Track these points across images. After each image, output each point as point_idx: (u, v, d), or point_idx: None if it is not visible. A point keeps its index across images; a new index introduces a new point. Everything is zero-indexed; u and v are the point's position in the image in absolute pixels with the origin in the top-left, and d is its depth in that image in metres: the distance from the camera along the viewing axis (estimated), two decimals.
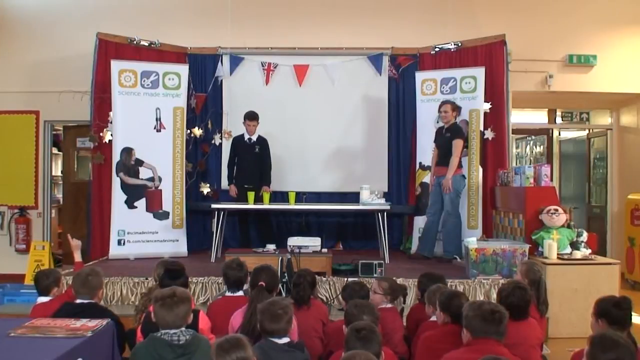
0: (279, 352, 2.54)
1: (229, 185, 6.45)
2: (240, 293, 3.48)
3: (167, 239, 6.23)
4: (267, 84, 7.02)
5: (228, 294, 3.52)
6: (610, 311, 2.66)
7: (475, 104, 6.33)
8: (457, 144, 5.93)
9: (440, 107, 6.13)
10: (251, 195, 5.92)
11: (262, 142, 6.46)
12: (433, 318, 3.21)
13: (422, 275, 3.80)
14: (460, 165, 6.03)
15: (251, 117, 6.33)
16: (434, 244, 6.20)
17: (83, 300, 3.05)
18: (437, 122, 6.36)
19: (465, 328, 2.50)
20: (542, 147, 8.91)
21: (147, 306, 3.32)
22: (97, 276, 3.12)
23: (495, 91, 6.45)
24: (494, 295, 4.54)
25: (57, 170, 8.43)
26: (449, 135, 6.02)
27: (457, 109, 6.10)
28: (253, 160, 6.40)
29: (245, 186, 6.23)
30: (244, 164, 6.40)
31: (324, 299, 4.78)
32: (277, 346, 2.57)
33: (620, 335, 2.19)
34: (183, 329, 2.54)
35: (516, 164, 8.62)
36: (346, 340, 2.39)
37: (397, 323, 3.43)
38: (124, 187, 6.12)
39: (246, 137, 6.39)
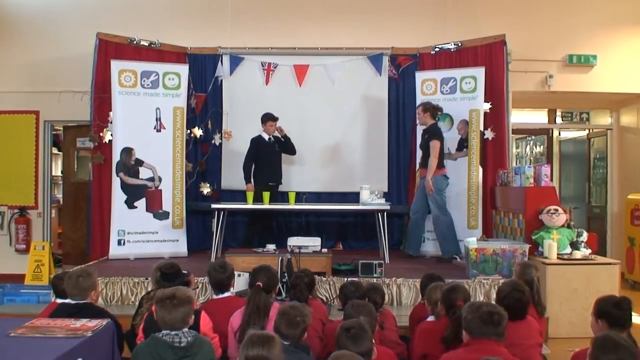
0: (284, 352, 2.54)
1: (246, 184, 6.38)
2: (227, 294, 3.46)
3: (167, 239, 6.24)
4: (267, 84, 7.02)
5: (214, 297, 3.51)
6: (610, 311, 2.66)
7: (475, 104, 6.33)
8: (434, 145, 5.98)
9: (417, 109, 6.26)
10: (250, 195, 5.94)
11: (279, 140, 6.51)
12: (430, 318, 3.21)
13: (424, 277, 3.81)
14: (442, 166, 6.06)
15: (273, 118, 6.36)
16: (420, 244, 6.30)
17: (77, 301, 3.04)
18: (417, 124, 6.48)
19: (464, 330, 2.50)
20: (542, 147, 8.91)
21: (149, 310, 3.31)
22: (88, 277, 3.09)
23: (495, 91, 6.45)
24: (494, 296, 4.54)
25: (57, 170, 8.43)
26: (426, 137, 6.09)
27: (430, 109, 6.11)
28: (275, 158, 6.49)
29: (270, 184, 6.30)
30: (267, 163, 6.43)
31: (324, 299, 4.78)
32: (283, 346, 2.57)
33: (622, 337, 2.22)
34: (185, 330, 2.53)
35: (516, 164, 8.62)
36: (337, 339, 2.40)
37: (391, 323, 3.45)
38: (124, 187, 6.13)
39: (266, 137, 6.41)
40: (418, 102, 6.62)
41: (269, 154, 6.43)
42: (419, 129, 6.65)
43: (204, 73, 7.04)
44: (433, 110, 6.12)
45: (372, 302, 3.26)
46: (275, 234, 6.66)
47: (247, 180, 6.39)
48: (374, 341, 2.51)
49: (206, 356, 2.53)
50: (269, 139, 6.43)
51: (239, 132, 6.70)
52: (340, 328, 2.42)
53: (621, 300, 2.71)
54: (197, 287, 4.65)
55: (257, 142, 6.41)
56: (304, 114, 6.97)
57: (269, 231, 6.64)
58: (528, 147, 9.40)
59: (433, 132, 6.05)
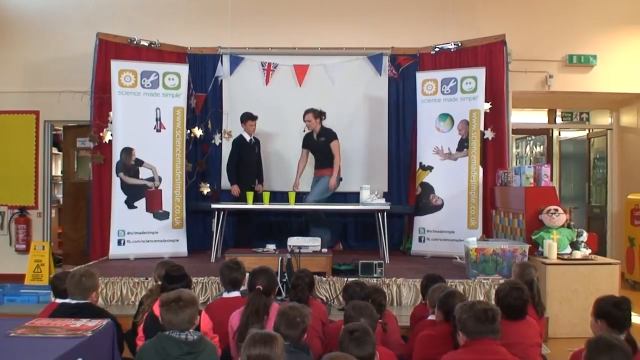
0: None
1: (231, 185, 6.42)
2: (237, 293, 3.46)
3: (167, 239, 6.23)
4: (267, 84, 7.02)
5: (225, 295, 3.52)
6: (610, 311, 2.66)
7: (475, 104, 6.32)
8: (336, 145, 6.30)
9: (304, 116, 6.34)
10: (250, 195, 5.94)
11: (258, 141, 6.57)
12: (431, 316, 3.22)
13: (425, 277, 3.81)
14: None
15: (252, 117, 6.39)
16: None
17: (78, 301, 3.04)
18: (304, 130, 6.50)
19: (460, 331, 2.50)
20: (542, 147, 8.90)
21: (151, 307, 3.31)
22: (91, 277, 3.09)
23: (495, 91, 6.45)
24: (494, 296, 4.54)
25: (57, 170, 8.43)
26: (323, 139, 6.31)
27: (319, 116, 6.34)
28: (255, 160, 6.51)
29: (253, 185, 6.34)
30: (248, 165, 6.43)
31: (324, 299, 4.79)
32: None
33: (616, 338, 2.22)
34: (191, 330, 2.56)
35: (516, 164, 8.62)
36: (340, 342, 2.39)
37: (394, 324, 3.46)
38: (124, 187, 6.12)
39: (247, 137, 6.43)
40: (419, 102, 6.62)
41: (250, 155, 6.45)
42: (419, 129, 6.66)
43: (204, 73, 7.04)
44: (321, 116, 6.36)
45: (377, 304, 3.26)
46: (274, 234, 6.68)
47: (233, 182, 6.40)
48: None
49: (210, 357, 2.54)
50: (250, 139, 6.46)
51: (239, 132, 6.68)
52: (344, 330, 2.41)
53: (621, 301, 2.71)
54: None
55: (239, 142, 6.44)
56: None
57: (261, 230, 6.67)
58: (528, 147, 9.40)
59: (331, 134, 6.34)
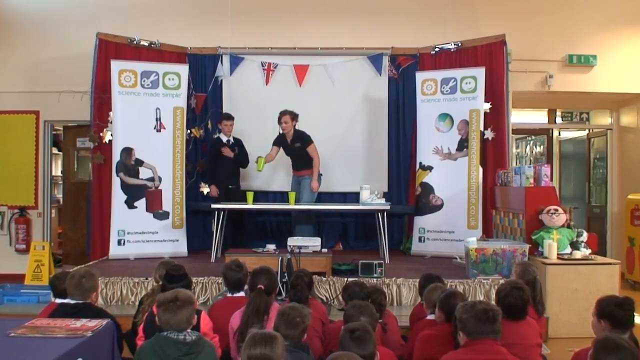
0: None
1: (209, 186, 6.40)
2: (242, 294, 3.47)
3: (167, 239, 6.24)
4: (267, 84, 7.02)
5: (229, 294, 3.52)
6: (613, 312, 2.66)
7: (475, 104, 6.33)
8: (314, 148, 6.25)
9: (280, 118, 6.22)
10: (250, 195, 5.94)
11: (239, 142, 6.54)
12: (429, 316, 3.22)
13: (422, 277, 3.81)
14: None
15: (228, 117, 6.43)
16: None
17: (77, 301, 3.03)
18: (279, 132, 6.40)
19: (460, 331, 2.50)
20: (542, 147, 8.91)
21: (151, 307, 3.30)
22: (91, 278, 3.09)
23: (495, 91, 6.45)
24: (494, 296, 4.54)
25: (57, 170, 8.43)
26: (299, 145, 6.25)
27: (296, 118, 6.27)
28: (233, 160, 6.46)
29: (230, 186, 6.37)
30: (225, 165, 6.42)
31: (324, 299, 4.79)
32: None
33: (623, 338, 2.22)
34: (189, 330, 2.56)
35: (516, 164, 8.62)
36: (340, 341, 2.39)
37: (394, 324, 3.46)
38: (124, 187, 6.12)
39: (224, 138, 6.44)
40: (418, 102, 6.62)
41: (227, 156, 6.41)
42: (419, 129, 6.66)
43: (204, 73, 7.04)
44: (296, 118, 6.28)
45: (377, 304, 3.26)
46: (274, 234, 6.68)
47: (210, 182, 6.42)
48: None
49: (209, 357, 2.54)
50: (228, 140, 6.45)
51: (239, 132, 6.69)
52: (345, 329, 2.41)
53: (624, 301, 2.70)
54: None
55: (217, 143, 6.44)
56: (304, 114, 6.90)
57: (261, 230, 6.68)
58: (528, 147, 9.40)
59: (306, 139, 6.28)
